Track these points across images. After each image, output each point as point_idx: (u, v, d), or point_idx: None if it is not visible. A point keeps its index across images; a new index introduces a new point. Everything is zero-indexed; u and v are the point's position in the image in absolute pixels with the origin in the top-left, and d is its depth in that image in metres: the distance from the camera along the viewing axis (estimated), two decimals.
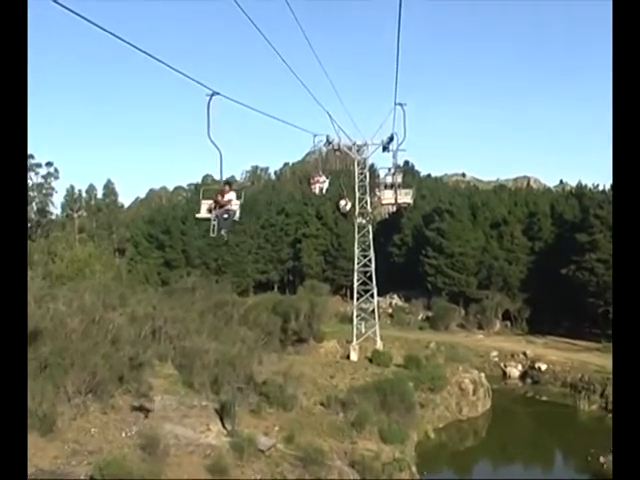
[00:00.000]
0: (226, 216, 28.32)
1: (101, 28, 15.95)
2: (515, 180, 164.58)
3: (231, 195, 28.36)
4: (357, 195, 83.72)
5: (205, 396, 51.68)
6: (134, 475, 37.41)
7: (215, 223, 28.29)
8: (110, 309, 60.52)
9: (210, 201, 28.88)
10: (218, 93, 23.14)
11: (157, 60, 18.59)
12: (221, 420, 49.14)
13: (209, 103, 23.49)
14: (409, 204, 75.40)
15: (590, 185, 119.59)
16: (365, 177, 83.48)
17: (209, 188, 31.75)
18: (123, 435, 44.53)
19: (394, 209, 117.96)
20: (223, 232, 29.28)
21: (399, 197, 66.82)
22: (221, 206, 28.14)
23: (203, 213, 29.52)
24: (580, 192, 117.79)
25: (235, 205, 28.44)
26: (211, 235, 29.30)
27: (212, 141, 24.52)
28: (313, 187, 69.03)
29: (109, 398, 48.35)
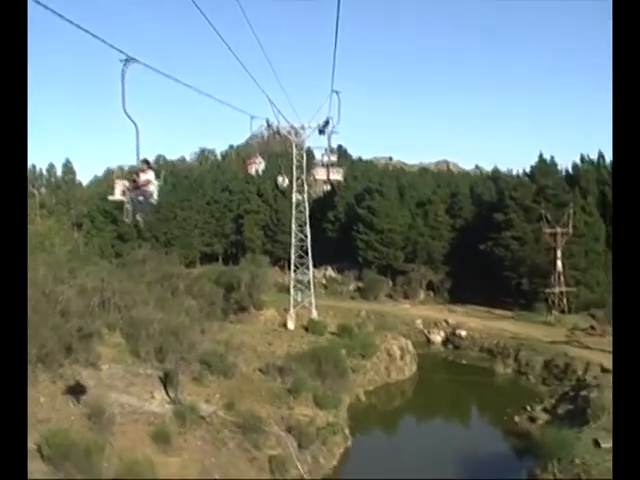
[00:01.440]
0: (142, 198, 23.35)
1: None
2: (436, 164, 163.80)
3: (149, 175, 23.19)
4: (294, 174, 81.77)
5: (150, 365, 49.04)
6: (79, 445, 35.06)
7: (129, 207, 23.62)
8: (60, 282, 57.35)
9: (125, 182, 24.13)
10: (133, 59, 19.63)
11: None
12: (165, 388, 46.69)
13: (123, 70, 19.78)
14: (340, 181, 74.02)
15: (505, 169, 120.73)
16: (302, 158, 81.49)
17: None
18: (71, 404, 41.88)
19: (329, 188, 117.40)
20: (139, 217, 24.54)
21: (331, 174, 65.33)
22: (138, 187, 23.20)
23: (117, 195, 24.66)
24: (496, 176, 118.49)
25: (153, 186, 23.39)
26: (125, 220, 24.97)
27: (127, 114, 20.40)
28: (249, 168, 67.01)
29: (58, 368, 45.46)
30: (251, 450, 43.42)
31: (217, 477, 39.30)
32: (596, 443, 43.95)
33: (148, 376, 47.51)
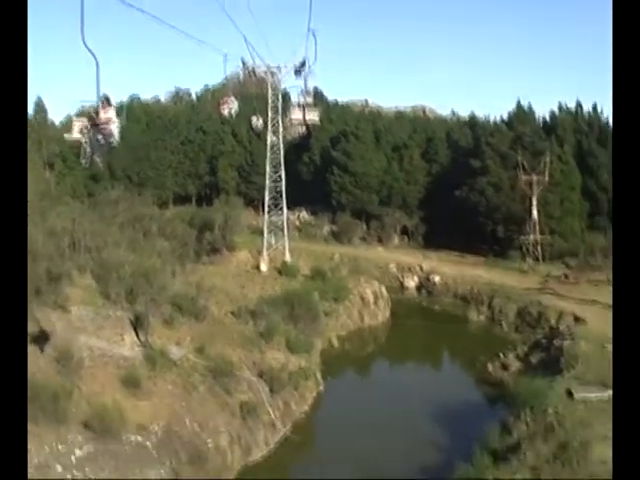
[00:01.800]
0: (101, 138, 21.31)
1: None
2: (412, 108, 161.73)
3: (110, 113, 21.06)
4: (269, 115, 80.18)
5: (120, 307, 47.78)
6: (47, 389, 34.03)
7: (87, 147, 21.64)
8: (30, 223, 55.78)
9: (84, 120, 22.03)
10: None
11: None
12: (135, 331, 45.52)
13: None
14: (316, 122, 72.53)
15: (482, 116, 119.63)
16: (277, 99, 79.81)
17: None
18: (37, 348, 40.71)
19: (304, 131, 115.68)
20: (97, 159, 22.58)
21: (307, 115, 64.01)
22: (97, 126, 21.17)
23: (74, 134, 22.69)
24: (473, 122, 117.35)
25: (114, 125, 21.23)
26: (82, 162, 23.06)
27: (86, 46, 18.56)
28: (222, 109, 65.33)
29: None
30: (222, 395, 42.62)
31: (187, 421, 38.60)
32: (569, 393, 43.59)
33: (118, 318, 46.21)
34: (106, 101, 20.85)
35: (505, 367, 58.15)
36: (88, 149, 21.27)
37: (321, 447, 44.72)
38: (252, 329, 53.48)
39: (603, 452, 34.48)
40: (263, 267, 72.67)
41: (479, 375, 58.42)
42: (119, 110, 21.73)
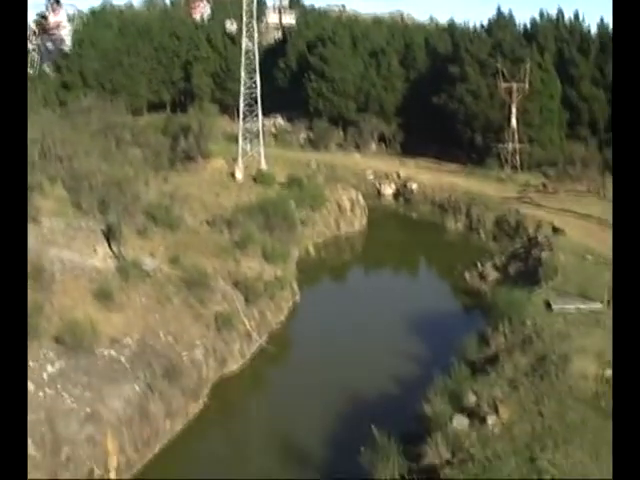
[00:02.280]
0: (50, 45, 18.58)
1: None
2: (390, 14, 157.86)
3: (60, 17, 18.24)
4: (244, 19, 77.28)
5: (93, 217, 46.29)
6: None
7: (36, 55, 19.12)
8: None
9: (31, 24, 19.59)
10: None
11: None
12: (108, 242, 44.08)
13: None
14: (292, 25, 70.29)
15: (461, 22, 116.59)
16: (252, 1, 76.80)
17: None
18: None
19: (280, 36, 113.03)
20: (47, 68, 20.12)
21: (283, 18, 62.05)
22: (47, 31, 18.43)
23: None
24: (452, 28, 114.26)
25: (65, 30, 18.33)
26: (29, 71, 21.05)
27: None
28: (194, 12, 62.91)
29: None
30: (196, 306, 41.63)
31: (161, 334, 37.69)
32: (548, 305, 43.03)
33: (90, 230, 44.67)
34: (55, 2, 18.59)
35: (483, 277, 57.56)
36: (37, 57, 19.15)
37: (297, 358, 44.18)
38: (227, 238, 52.19)
39: (583, 366, 34.08)
40: (238, 175, 70.79)
41: (456, 284, 57.91)
42: (71, 15, 19.57)
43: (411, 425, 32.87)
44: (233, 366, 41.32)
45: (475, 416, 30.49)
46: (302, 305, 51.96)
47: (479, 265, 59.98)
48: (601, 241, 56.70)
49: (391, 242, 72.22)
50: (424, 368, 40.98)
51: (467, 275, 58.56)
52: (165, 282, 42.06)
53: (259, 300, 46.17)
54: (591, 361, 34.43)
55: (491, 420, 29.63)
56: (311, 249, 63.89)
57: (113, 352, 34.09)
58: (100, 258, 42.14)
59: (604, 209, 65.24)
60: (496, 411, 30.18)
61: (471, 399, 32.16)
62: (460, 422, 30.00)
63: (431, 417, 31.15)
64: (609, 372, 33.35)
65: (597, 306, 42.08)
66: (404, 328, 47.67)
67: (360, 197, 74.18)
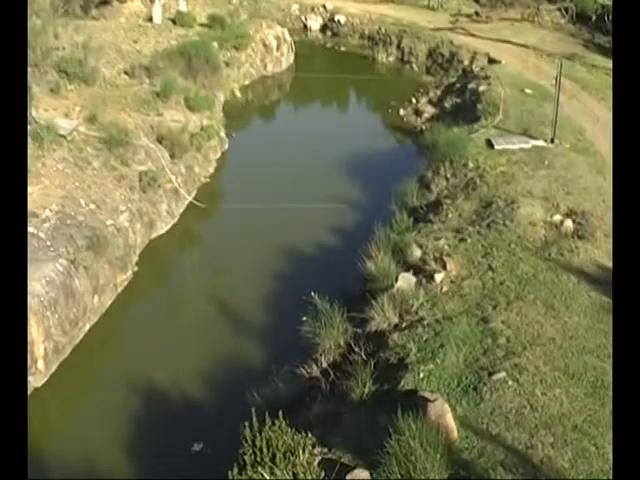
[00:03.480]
0: None
1: None
2: None
3: None
4: None
5: None
6: None
7: None
8: None
9: None
10: None
11: None
12: None
13: None
14: None
15: None
16: None
17: None
18: None
19: None
20: None
21: None
22: None
23: None
24: None
25: None
26: None
27: None
28: None
29: None
30: (119, 168, 38.11)
31: (82, 202, 34.52)
32: (489, 144, 40.89)
33: None
34: None
35: (419, 113, 54.96)
36: None
37: (229, 212, 41.11)
38: (148, 89, 47.94)
39: (530, 212, 32.31)
40: (156, 18, 65.30)
41: (392, 121, 55.13)
42: None
43: (355, 287, 30.91)
44: (162, 228, 38.56)
45: (422, 273, 28.57)
46: (231, 153, 48.89)
47: (414, 100, 57.35)
48: (539, 72, 54.47)
49: (321, 79, 68.66)
50: (364, 217, 38.91)
51: (402, 111, 55.97)
52: (83, 145, 38.22)
53: (186, 154, 43.01)
54: (539, 206, 32.66)
55: (439, 277, 27.78)
56: (237, 92, 60.08)
57: (31, 228, 30.78)
58: None
59: (539, 38, 62.62)
60: (444, 267, 28.35)
61: (416, 253, 30.20)
62: (406, 281, 28.02)
63: (375, 276, 29.09)
64: (557, 217, 31.77)
65: (541, 144, 40.16)
66: (340, 171, 45.04)
67: (286, 34, 69.62)
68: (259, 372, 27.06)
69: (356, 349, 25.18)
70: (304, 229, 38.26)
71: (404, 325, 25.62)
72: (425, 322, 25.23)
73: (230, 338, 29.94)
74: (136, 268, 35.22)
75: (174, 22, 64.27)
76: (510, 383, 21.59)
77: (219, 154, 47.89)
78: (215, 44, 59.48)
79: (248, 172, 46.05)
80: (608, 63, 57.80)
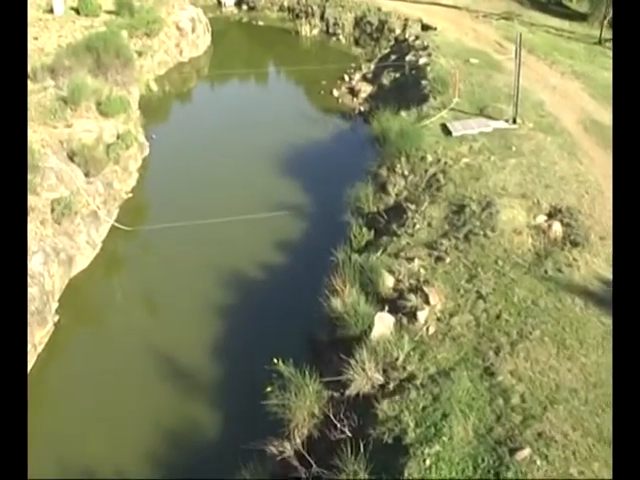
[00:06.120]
0: None
1: None
2: None
3: None
4: None
5: None
6: None
7: None
8: None
9: None
10: None
11: None
12: None
13: None
14: None
15: None
16: None
17: None
18: None
19: None
20: None
21: None
22: None
23: None
24: None
25: None
26: None
27: None
28: None
29: None
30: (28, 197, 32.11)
31: None
32: (446, 130, 35.77)
33: None
34: None
35: (354, 92, 49.55)
36: None
37: (156, 231, 34.84)
38: (54, 94, 41.35)
39: (511, 215, 27.29)
40: (58, 9, 58.01)
41: (325, 104, 49.50)
42: None
43: (321, 332, 25.51)
44: (83, 263, 32.64)
45: (401, 310, 23.33)
46: (153, 159, 42.94)
47: (347, 78, 51.94)
48: (479, 37, 49.85)
49: (242, 59, 62.93)
50: (315, 227, 33.70)
51: (336, 92, 50.52)
52: None
53: (103, 170, 37.06)
54: (518, 206, 27.71)
55: (422, 315, 22.63)
56: (153, 85, 53.83)
57: None
58: None
59: None
60: (426, 300, 23.19)
61: (388, 282, 24.91)
62: (384, 323, 22.77)
63: (344, 318, 23.69)
64: (541, 219, 26.99)
65: (502, 125, 35.27)
66: (277, 168, 39.67)
67: (201, 14, 63.22)
68: (216, 452, 21.94)
69: (338, 424, 19.97)
70: (247, 249, 32.56)
71: (392, 386, 20.52)
72: (417, 381, 20.22)
73: (178, 406, 24.22)
74: (57, 318, 29.32)
75: (77, 12, 57.03)
76: (539, 462, 16.89)
77: (140, 162, 41.83)
78: (124, 33, 53.12)
79: (174, 179, 40.28)
80: (547, 20, 53.76)
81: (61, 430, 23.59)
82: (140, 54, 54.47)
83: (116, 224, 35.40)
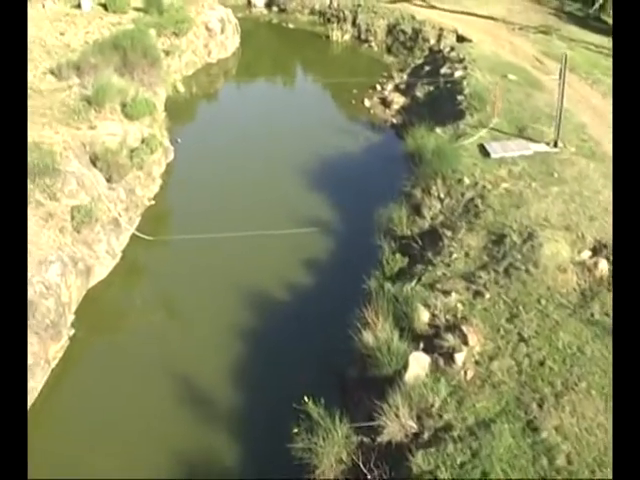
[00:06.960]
0: None
1: None
2: None
3: None
4: None
5: None
6: None
7: None
8: None
9: None
10: None
11: None
12: None
13: None
14: None
15: None
16: None
17: None
18: None
19: None
20: None
21: None
22: None
23: None
24: None
25: None
26: None
27: None
28: None
29: None
30: (45, 203, 30.76)
31: None
32: (483, 151, 34.20)
33: None
34: None
35: (386, 103, 47.98)
36: None
37: (178, 242, 33.61)
38: (78, 94, 40.02)
39: (554, 248, 25.72)
40: (85, 4, 56.84)
41: (357, 114, 47.75)
42: None
43: (351, 369, 23.99)
44: (102, 274, 31.34)
45: (437, 350, 21.85)
46: (178, 164, 41.57)
47: (379, 87, 50.44)
48: (516, 51, 48.23)
49: (270, 62, 61.62)
50: (344, 247, 32.22)
51: (367, 102, 48.99)
52: None
53: (125, 176, 35.73)
54: (562, 240, 26.14)
55: (460, 357, 21.17)
56: (180, 86, 52.56)
57: None
58: None
59: (506, 8, 56.31)
60: (464, 341, 21.72)
61: (423, 317, 23.46)
62: (419, 364, 21.36)
63: (376, 355, 22.24)
64: (586, 255, 25.43)
65: (543, 148, 33.68)
66: (306, 181, 38.16)
67: (230, 14, 61.70)
68: None
69: (368, 474, 18.57)
70: (272, 266, 31.14)
71: (427, 436, 19.10)
72: (455, 432, 18.79)
73: (194, 435, 22.84)
74: (72, 331, 28.02)
75: (105, 8, 55.66)
76: None
77: (164, 168, 40.49)
78: (152, 32, 51.76)
79: (198, 187, 38.81)
80: (586, 36, 52.02)
81: (66, 452, 22.37)
82: (167, 54, 53.17)
83: (137, 233, 34.11)
